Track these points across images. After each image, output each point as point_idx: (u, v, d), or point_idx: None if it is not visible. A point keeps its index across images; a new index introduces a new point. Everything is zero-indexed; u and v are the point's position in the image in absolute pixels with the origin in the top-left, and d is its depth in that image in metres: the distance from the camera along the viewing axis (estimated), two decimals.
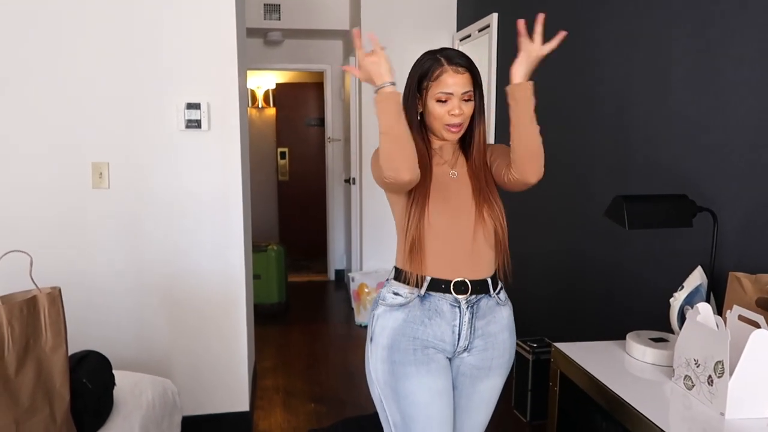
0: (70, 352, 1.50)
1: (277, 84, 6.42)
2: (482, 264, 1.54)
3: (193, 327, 2.63)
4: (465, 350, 1.56)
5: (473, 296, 1.53)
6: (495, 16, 3.49)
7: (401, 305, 1.52)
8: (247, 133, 3.09)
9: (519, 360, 2.88)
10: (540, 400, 2.81)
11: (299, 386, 3.30)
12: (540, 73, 3.15)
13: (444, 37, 4.18)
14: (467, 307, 1.52)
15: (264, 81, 6.45)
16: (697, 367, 1.45)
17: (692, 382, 1.46)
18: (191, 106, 2.49)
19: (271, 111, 6.53)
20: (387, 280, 1.60)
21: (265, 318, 4.44)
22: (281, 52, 5.48)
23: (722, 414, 1.35)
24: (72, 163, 2.44)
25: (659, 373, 1.61)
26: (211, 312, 2.63)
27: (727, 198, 1.79)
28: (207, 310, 2.63)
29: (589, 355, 1.73)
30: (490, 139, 3.57)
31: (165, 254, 2.55)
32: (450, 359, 1.57)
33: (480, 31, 3.72)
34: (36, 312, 1.31)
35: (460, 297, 1.51)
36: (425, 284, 1.50)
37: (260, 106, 6.49)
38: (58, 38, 2.38)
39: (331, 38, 5.42)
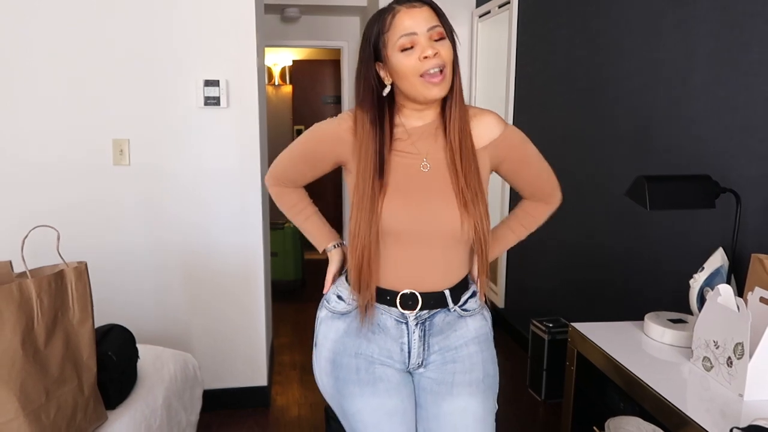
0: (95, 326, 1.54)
1: (294, 61, 6.39)
2: (445, 274, 1.28)
3: (212, 302, 2.67)
4: (420, 366, 1.31)
5: (424, 312, 1.27)
6: None
7: (342, 314, 1.30)
8: (265, 110, 3.09)
9: (534, 340, 2.90)
10: (555, 380, 2.83)
11: None
12: (561, 53, 3.11)
13: (463, 13, 4.12)
14: (416, 324, 1.28)
15: (280, 58, 6.42)
16: (717, 348, 1.44)
17: (711, 364, 1.46)
18: (210, 83, 2.49)
19: (288, 88, 6.51)
20: (341, 275, 1.38)
21: (282, 295, 4.49)
22: (298, 29, 5.45)
23: (741, 395, 1.35)
24: (93, 140, 2.46)
25: (678, 354, 1.61)
26: (230, 288, 2.67)
27: (750, 179, 1.77)
28: (227, 286, 2.66)
29: (606, 335, 1.73)
30: (509, 120, 3.53)
31: (185, 230, 2.58)
32: (410, 371, 1.33)
33: (500, 7, 3.66)
34: (63, 286, 1.34)
35: (407, 312, 1.27)
36: (364, 292, 1.24)
37: (277, 83, 6.47)
38: (78, 16, 2.39)
39: (349, 14, 5.37)
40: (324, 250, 1.41)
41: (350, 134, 1.26)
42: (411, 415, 1.29)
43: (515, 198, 1.86)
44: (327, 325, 1.32)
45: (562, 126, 2.94)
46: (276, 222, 4.52)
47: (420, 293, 1.26)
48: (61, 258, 1.38)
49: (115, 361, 1.47)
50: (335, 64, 6.10)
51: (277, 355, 3.43)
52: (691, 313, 1.79)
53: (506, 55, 3.58)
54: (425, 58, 1.15)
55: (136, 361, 1.64)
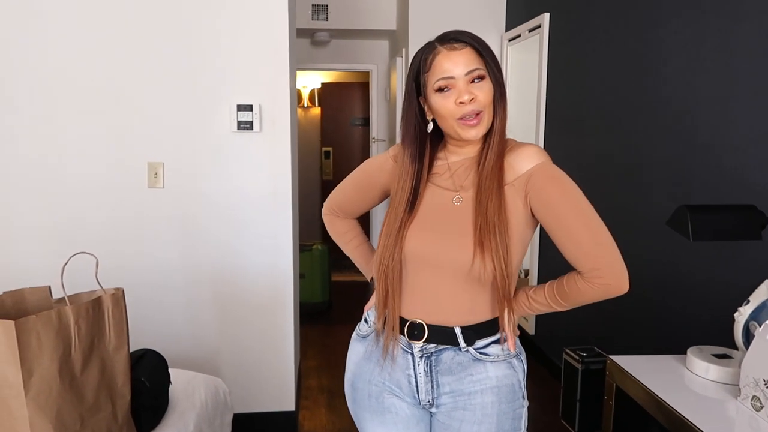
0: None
1: (323, 83, 6.47)
2: (456, 310, 1.22)
3: (242, 325, 2.67)
4: (431, 405, 1.27)
5: (431, 345, 1.23)
6: (547, 16, 3.42)
7: (363, 337, 1.34)
8: (296, 133, 3.12)
9: (567, 369, 2.82)
10: (589, 411, 2.74)
11: (342, 387, 3.30)
12: (594, 77, 3.08)
13: (493, 37, 4.13)
14: (421, 357, 1.24)
15: (310, 80, 6.51)
16: (767, 387, 1.38)
17: (761, 404, 1.40)
18: (243, 107, 2.52)
19: (317, 110, 6.58)
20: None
21: (309, 317, 4.48)
22: (328, 52, 5.52)
23: None
24: (128, 163, 2.51)
25: (723, 392, 1.55)
26: (260, 310, 2.67)
27: None
28: (257, 309, 2.66)
29: (646, 369, 1.67)
30: (540, 144, 3.49)
31: (217, 253, 2.60)
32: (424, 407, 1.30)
33: (530, 31, 3.65)
34: (101, 312, 1.35)
35: (413, 342, 1.24)
36: (382, 317, 1.26)
37: (306, 105, 6.55)
38: (116, 40, 2.45)
39: (378, 38, 5.43)
40: (372, 279, 1.43)
41: (395, 163, 1.31)
42: None
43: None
44: (351, 347, 1.38)
45: (595, 151, 2.90)
46: (304, 243, 4.53)
47: (427, 324, 1.23)
48: (99, 285, 1.39)
49: (149, 387, 1.47)
50: (364, 86, 6.15)
51: (304, 379, 3.41)
52: (735, 347, 1.72)
53: (536, 79, 3.56)
54: (461, 103, 1.15)
55: (168, 387, 1.64)
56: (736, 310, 1.72)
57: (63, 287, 1.32)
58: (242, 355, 2.69)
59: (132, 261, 2.54)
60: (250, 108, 2.52)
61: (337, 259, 5.89)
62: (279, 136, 2.59)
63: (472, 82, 1.15)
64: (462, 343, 1.23)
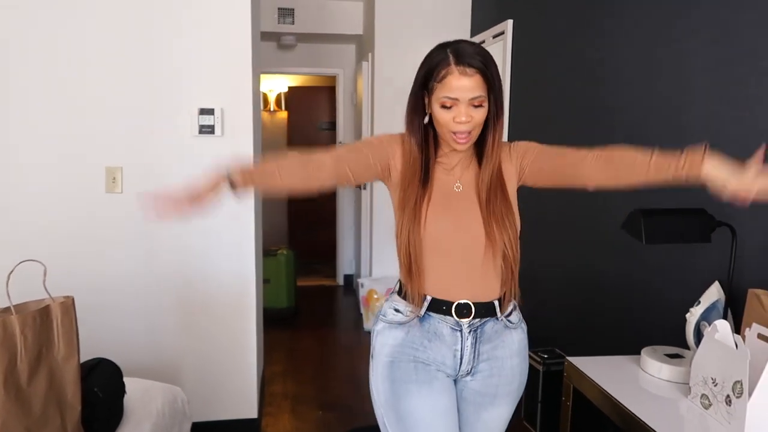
0: (82, 358, 1.50)
1: (290, 87, 6.43)
2: (489, 285, 1.40)
3: (203, 333, 2.63)
4: (468, 374, 1.45)
5: (477, 320, 1.40)
6: (510, 22, 3.47)
7: (400, 323, 1.41)
8: (260, 137, 3.09)
9: (529, 371, 2.85)
10: (551, 412, 2.78)
11: (307, 393, 3.29)
12: (556, 83, 3.12)
13: None
14: (470, 332, 1.40)
15: (276, 84, 6.46)
16: (715, 386, 1.42)
17: (709, 401, 1.44)
18: (204, 111, 2.49)
19: (283, 114, 6.54)
20: (391, 292, 1.50)
21: (274, 322, 4.43)
22: (294, 56, 5.49)
23: None
24: (85, 168, 2.45)
25: (675, 391, 1.59)
26: (222, 317, 2.63)
27: (747, 213, 1.76)
28: (218, 315, 2.63)
29: (602, 370, 1.70)
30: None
31: (177, 259, 2.55)
32: (455, 380, 1.47)
33: (494, 37, 3.70)
34: (49, 321, 1.31)
35: (462, 320, 1.39)
36: (425, 304, 1.38)
37: (272, 109, 6.50)
38: (71, 45, 2.39)
39: (345, 42, 5.42)
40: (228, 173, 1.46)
41: (402, 144, 1.40)
42: (457, 421, 1.44)
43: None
44: (384, 335, 1.43)
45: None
46: (269, 249, 4.49)
47: (473, 303, 1.38)
48: (48, 293, 1.35)
49: (101, 398, 1.43)
50: (331, 90, 6.14)
51: (268, 385, 3.37)
52: (688, 347, 1.77)
53: None
54: (457, 122, 1.30)
55: (122, 397, 1.60)
56: (688, 311, 1.77)
57: (8, 296, 1.28)
58: (203, 363, 2.64)
59: (88, 268, 2.48)
60: (211, 112, 2.49)
61: (303, 263, 5.88)
62: (241, 141, 2.56)
63: (473, 106, 1.30)
64: (499, 314, 1.42)
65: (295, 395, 3.25)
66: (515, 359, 1.47)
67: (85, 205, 2.46)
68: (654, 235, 1.65)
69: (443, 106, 1.30)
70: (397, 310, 1.43)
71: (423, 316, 1.39)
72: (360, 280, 4.54)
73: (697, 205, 1.89)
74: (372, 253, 4.56)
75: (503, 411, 1.50)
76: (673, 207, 1.80)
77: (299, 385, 3.38)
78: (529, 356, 2.82)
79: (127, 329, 2.54)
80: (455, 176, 1.41)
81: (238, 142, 2.55)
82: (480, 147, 1.40)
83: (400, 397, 1.38)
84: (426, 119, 1.36)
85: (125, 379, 1.75)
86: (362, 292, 4.38)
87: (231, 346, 2.66)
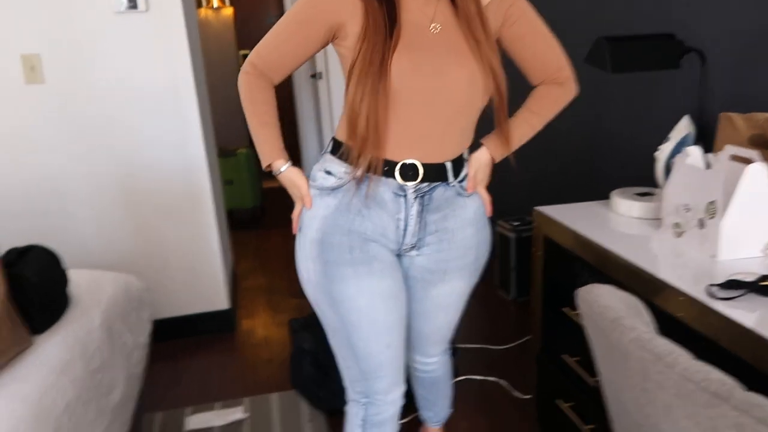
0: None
1: None
2: (450, 143, 1.20)
3: (160, 229, 2.50)
4: (414, 248, 1.25)
5: (425, 184, 1.19)
6: None
7: (333, 189, 1.19)
8: (194, 17, 2.82)
9: (502, 240, 2.83)
10: (524, 278, 2.78)
11: (280, 284, 3.25)
12: None
13: None
14: (415, 198, 1.19)
15: None
16: (687, 212, 1.36)
17: (682, 228, 1.38)
18: None
19: (229, 11, 6.09)
20: (323, 152, 1.26)
21: (242, 223, 4.34)
22: None
23: (713, 257, 1.27)
24: None
25: (647, 226, 1.53)
26: (178, 214, 2.50)
27: (716, 37, 1.65)
28: (173, 213, 2.49)
29: (573, 215, 1.64)
30: None
31: (117, 153, 2.37)
32: (399, 255, 1.27)
33: None
34: None
35: (407, 184, 1.18)
36: (364, 163, 1.13)
37: (215, 6, 6.04)
38: None
39: None
40: (271, 168, 1.23)
41: None
42: (404, 300, 1.27)
43: None
44: (316, 203, 1.21)
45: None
46: (227, 148, 4.30)
47: (422, 164, 1.18)
48: None
49: (34, 283, 1.31)
50: None
51: (241, 281, 3.32)
52: (658, 187, 1.70)
53: None
54: None
55: (65, 285, 1.49)
56: (657, 149, 1.69)
57: None
58: (165, 261, 2.54)
59: (19, 167, 2.29)
60: None
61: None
62: (170, 18, 2.30)
63: None
64: (451, 178, 1.22)
65: (268, 287, 3.21)
66: (468, 230, 1.27)
67: (5, 99, 2.22)
68: (620, 64, 1.53)
69: None
70: (328, 173, 1.20)
71: (360, 178, 1.15)
72: None
73: (667, 30, 1.76)
74: None
75: (456, 285, 1.32)
76: (640, 33, 1.67)
77: (271, 279, 3.33)
78: (500, 225, 2.80)
79: (75, 230, 2.40)
80: (428, 15, 1.14)
81: (166, 19, 2.28)
82: None
83: (333, 280, 1.19)
84: None
85: (72, 271, 1.64)
86: None
87: (191, 244, 2.55)
